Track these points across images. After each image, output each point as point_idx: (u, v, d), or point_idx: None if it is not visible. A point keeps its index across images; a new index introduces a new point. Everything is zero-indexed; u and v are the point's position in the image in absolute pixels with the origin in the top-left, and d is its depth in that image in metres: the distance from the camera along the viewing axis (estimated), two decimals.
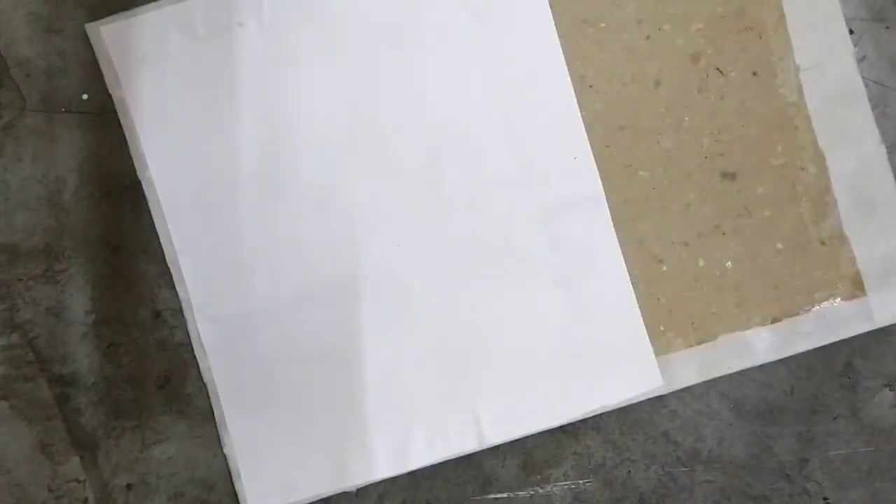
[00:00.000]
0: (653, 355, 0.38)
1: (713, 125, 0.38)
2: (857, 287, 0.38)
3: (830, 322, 0.38)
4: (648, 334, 0.38)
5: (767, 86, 0.38)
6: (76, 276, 0.38)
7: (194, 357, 0.38)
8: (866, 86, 0.38)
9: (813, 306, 0.38)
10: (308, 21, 0.37)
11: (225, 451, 0.38)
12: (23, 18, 0.38)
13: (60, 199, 0.38)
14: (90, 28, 0.37)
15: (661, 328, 0.38)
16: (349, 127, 0.38)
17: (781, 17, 0.38)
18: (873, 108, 0.38)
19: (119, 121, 0.38)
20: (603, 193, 0.38)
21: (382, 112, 0.38)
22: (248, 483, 0.38)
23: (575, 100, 0.37)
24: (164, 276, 0.38)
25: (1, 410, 0.38)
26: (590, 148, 0.38)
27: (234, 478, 0.38)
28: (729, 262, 0.38)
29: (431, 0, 0.37)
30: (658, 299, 0.38)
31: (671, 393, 0.38)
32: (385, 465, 0.38)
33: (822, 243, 0.38)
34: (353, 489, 0.38)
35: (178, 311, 0.38)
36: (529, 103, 0.37)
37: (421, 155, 0.38)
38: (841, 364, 0.38)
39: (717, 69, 0.38)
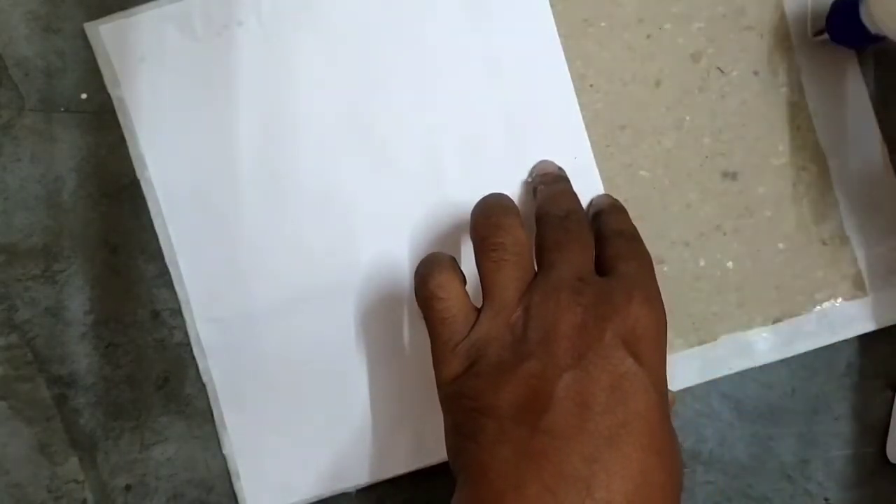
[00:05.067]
0: None
1: (714, 125, 0.38)
2: (858, 287, 0.38)
3: (832, 322, 0.38)
4: None
5: (768, 85, 0.38)
6: (75, 277, 0.38)
7: (193, 357, 0.38)
8: (867, 85, 0.38)
9: (814, 306, 0.38)
10: (308, 20, 0.37)
11: (224, 451, 0.38)
12: (21, 18, 0.38)
13: (59, 198, 0.38)
14: (89, 27, 0.37)
15: None
16: (349, 127, 0.37)
17: (782, 16, 0.37)
18: (874, 108, 0.38)
19: (118, 120, 0.38)
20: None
21: (382, 112, 0.37)
22: (247, 484, 0.38)
23: (576, 99, 0.37)
24: (164, 277, 0.38)
25: (0, 411, 0.38)
26: (590, 148, 0.38)
27: (234, 478, 0.38)
28: (730, 263, 0.38)
29: None
30: None
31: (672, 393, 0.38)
32: (386, 465, 0.38)
33: (824, 243, 0.38)
34: (353, 490, 0.38)
35: (178, 312, 0.38)
36: (530, 103, 0.37)
37: (421, 154, 0.37)
38: (843, 364, 0.38)
39: (718, 68, 0.38)
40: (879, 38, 0.34)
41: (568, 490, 0.26)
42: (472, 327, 0.30)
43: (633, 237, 0.34)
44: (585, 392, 0.27)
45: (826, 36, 0.36)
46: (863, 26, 0.33)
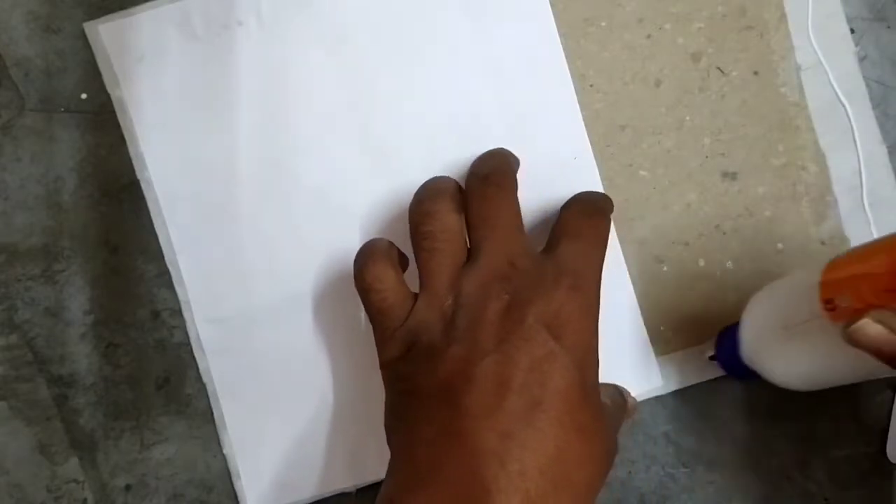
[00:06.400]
0: (653, 355, 0.38)
1: (714, 125, 0.38)
2: None
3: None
4: (649, 334, 0.38)
5: (768, 85, 0.38)
6: (75, 277, 0.38)
7: (193, 358, 0.38)
8: (867, 85, 0.38)
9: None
10: (307, 19, 0.37)
11: (224, 451, 0.38)
12: (21, 18, 0.38)
13: (59, 198, 0.38)
14: (89, 27, 0.37)
15: (661, 328, 0.38)
16: (349, 127, 0.37)
17: (783, 16, 0.38)
18: (874, 108, 0.38)
19: (118, 120, 0.38)
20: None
21: (382, 112, 0.37)
22: (247, 484, 0.38)
23: (576, 99, 0.37)
24: (163, 277, 0.38)
25: (0, 411, 0.38)
26: (590, 148, 0.38)
27: (234, 478, 0.38)
28: (729, 262, 0.38)
29: None
30: (658, 299, 0.38)
31: (671, 393, 0.38)
32: (385, 465, 0.38)
33: (823, 243, 0.38)
34: (353, 489, 0.38)
35: (178, 312, 0.38)
36: (530, 102, 0.37)
37: (421, 154, 0.37)
38: None
39: (718, 68, 0.38)
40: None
41: (480, 465, 0.27)
42: (410, 313, 0.31)
43: (594, 212, 0.34)
44: (504, 373, 0.28)
45: (717, 362, 0.36)
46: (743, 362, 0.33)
